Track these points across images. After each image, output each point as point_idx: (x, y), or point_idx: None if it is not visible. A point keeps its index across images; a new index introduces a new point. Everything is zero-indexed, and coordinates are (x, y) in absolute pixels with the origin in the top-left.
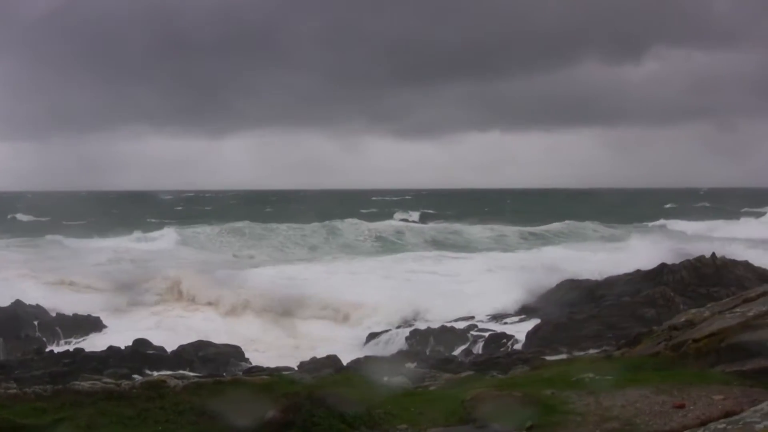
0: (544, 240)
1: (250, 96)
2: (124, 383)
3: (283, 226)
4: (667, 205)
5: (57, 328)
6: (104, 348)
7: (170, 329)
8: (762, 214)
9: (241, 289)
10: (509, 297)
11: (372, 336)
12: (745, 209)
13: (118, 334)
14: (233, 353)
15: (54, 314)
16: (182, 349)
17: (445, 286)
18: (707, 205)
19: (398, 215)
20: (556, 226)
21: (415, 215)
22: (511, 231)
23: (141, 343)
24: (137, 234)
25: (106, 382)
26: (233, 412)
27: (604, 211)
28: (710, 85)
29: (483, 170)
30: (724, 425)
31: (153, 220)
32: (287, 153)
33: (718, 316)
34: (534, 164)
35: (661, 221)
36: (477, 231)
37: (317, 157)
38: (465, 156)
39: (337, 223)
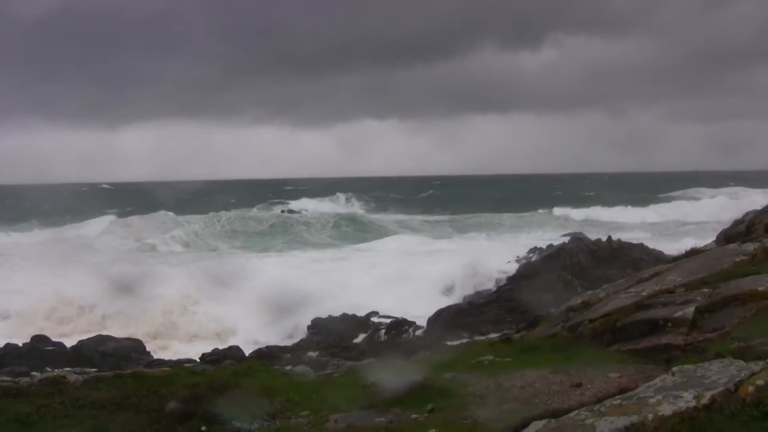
0: (452, 227)
1: (146, 87)
2: (22, 380)
3: (195, 217)
4: (559, 191)
5: None
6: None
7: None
8: (670, 199)
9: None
10: (412, 284)
11: (273, 326)
12: (657, 194)
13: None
14: (134, 347)
15: None
16: (82, 345)
17: (347, 274)
18: (604, 192)
19: (297, 204)
20: (462, 214)
21: (310, 204)
22: (416, 220)
23: (39, 340)
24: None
25: (2, 380)
26: (134, 404)
27: (506, 197)
28: (604, 73)
29: (382, 158)
30: (619, 401)
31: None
32: (186, 144)
33: (613, 297)
34: (431, 151)
35: (561, 208)
36: (382, 219)
37: (215, 148)
38: (362, 144)
39: (248, 213)
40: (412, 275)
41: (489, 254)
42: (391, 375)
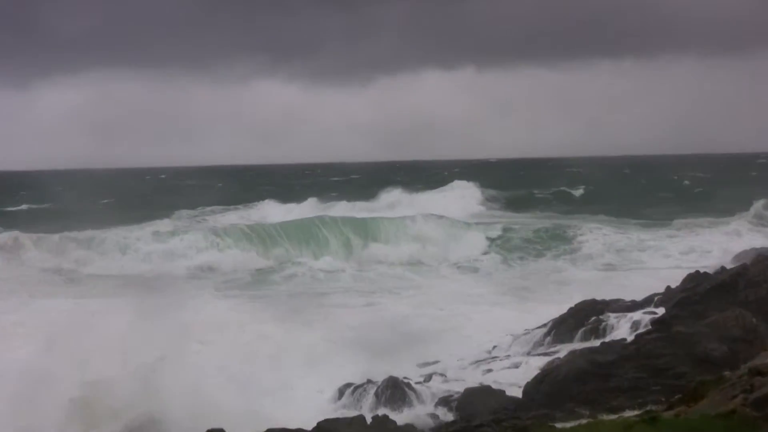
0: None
1: (71, 23)
2: None
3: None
4: (750, 182)
5: None
6: None
7: None
8: None
9: None
10: (502, 332)
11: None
12: None
13: None
14: None
15: None
16: None
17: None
18: None
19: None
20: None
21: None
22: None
23: None
24: None
25: None
26: None
27: (653, 190)
28: None
29: (455, 130)
30: None
31: None
32: (138, 107)
33: None
34: (528, 117)
35: (743, 211)
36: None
37: (191, 114)
38: (424, 107)
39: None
40: (501, 318)
41: (623, 283)
42: None
